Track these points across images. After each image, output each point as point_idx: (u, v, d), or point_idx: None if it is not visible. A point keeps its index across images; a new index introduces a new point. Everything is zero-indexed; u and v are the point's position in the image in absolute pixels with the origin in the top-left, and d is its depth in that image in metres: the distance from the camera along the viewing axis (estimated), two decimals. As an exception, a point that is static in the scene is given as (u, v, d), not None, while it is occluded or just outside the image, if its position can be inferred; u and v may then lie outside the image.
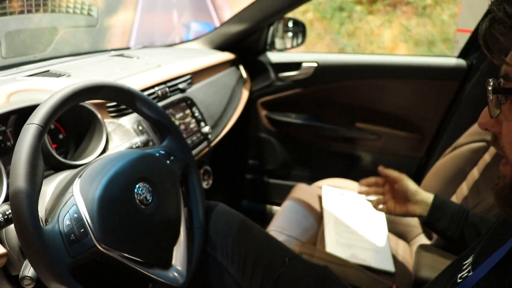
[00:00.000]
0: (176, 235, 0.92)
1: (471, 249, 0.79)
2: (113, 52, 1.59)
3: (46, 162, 0.94)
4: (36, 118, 0.71)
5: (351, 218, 1.59)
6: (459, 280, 0.72)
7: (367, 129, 1.96)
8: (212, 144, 1.46)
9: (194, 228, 1.00)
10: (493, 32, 0.52)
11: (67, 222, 0.73)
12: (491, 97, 0.55)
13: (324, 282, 1.02)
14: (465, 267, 0.74)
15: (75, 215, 0.74)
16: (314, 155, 2.10)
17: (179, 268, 0.90)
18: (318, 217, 1.62)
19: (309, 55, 2.00)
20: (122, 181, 0.81)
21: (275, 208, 2.21)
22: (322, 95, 1.99)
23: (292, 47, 2.13)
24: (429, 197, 1.13)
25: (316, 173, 2.02)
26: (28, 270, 0.76)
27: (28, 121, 0.72)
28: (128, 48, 1.85)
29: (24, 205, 0.65)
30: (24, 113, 0.96)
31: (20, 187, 0.66)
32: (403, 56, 1.85)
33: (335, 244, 1.47)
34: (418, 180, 1.65)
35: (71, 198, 0.76)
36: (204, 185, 1.54)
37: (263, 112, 2.09)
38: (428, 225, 1.11)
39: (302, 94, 2.01)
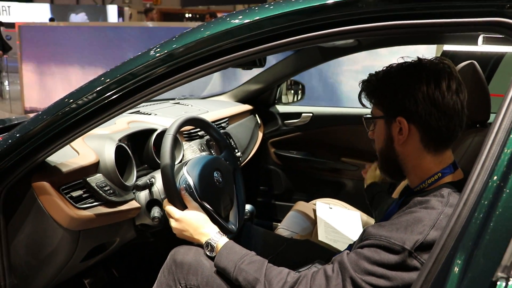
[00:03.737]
0: (232, 205, 1.57)
1: None
2: (171, 101, 2.29)
3: (152, 165, 1.62)
4: (171, 131, 1.39)
5: (336, 223, 2.23)
6: None
7: (349, 162, 2.63)
8: (242, 164, 2.13)
9: (239, 204, 1.65)
10: (362, 97, 1.18)
11: (184, 185, 1.39)
12: (368, 122, 1.19)
13: (308, 248, 1.63)
14: None
15: (187, 182, 1.40)
16: (310, 182, 2.76)
17: (233, 222, 1.55)
18: (313, 222, 2.25)
19: (306, 107, 2.72)
20: (208, 168, 1.48)
21: (278, 224, 2.83)
22: (316, 137, 2.68)
23: (293, 102, 2.85)
24: None
25: (311, 195, 2.66)
26: (156, 213, 1.41)
27: (166, 133, 1.39)
28: (173, 99, 2.55)
29: (169, 171, 1.32)
30: (139, 133, 1.64)
31: (167, 162, 1.32)
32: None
33: (325, 239, 2.10)
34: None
35: (183, 175, 1.42)
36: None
37: (272, 150, 2.78)
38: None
39: (302, 136, 2.70)
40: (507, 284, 0.69)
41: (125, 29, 5.90)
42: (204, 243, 1.27)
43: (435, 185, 1.08)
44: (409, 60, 1.11)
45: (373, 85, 1.12)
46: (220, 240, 1.25)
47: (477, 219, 0.74)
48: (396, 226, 0.99)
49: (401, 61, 1.12)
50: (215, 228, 1.30)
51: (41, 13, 15.51)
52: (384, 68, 1.12)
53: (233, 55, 1.00)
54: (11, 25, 10.77)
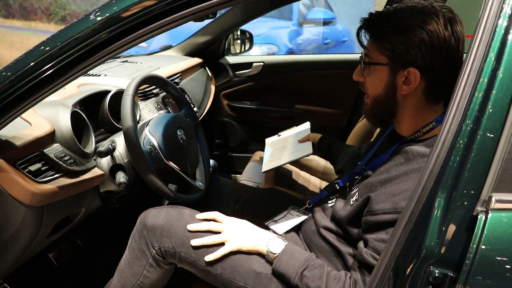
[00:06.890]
0: (198, 162, 1.55)
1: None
2: (118, 60, 2.17)
3: (109, 128, 1.54)
4: (129, 91, 1.32)
5: (284, 142, 2.05)
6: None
7: (303, 109, 2.66)
8: (199, 119, 2.09)
9: (204, 161, 1.63)
10: (360, 38, 1.14)
11: (148, 147, 1.35)
12: (363, 65, 1.13)
13: (273, 195, 1.66)
14: (361, 160, 1.40)
15: (151, 143, 1.36)
16: (265, 131, 2.75)
17: (200, 180, 1.54)
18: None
19: (257, 57, 2.68)
20: (171, 127, 1.44)
21: (238, 176, 2.85)
22: (269, 86, 2.67)
23: (241, 52, 2.79)
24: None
25: (268, 144, 2.69)
26: (121, 178, 1.36)
27: (124, 93, 1.32)
28: (119, 57, 2.42)
29: (132, 133, 1.26)
30: (92, 96, 1.55)
31: (129, 125, 1.27)
32: (326, 54, 2.56)
33: (269, 166, 1.99)
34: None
35: (146, 136, 1.37)
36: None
37: (225, 102, 2.74)
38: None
39: (254, 86, 2.68)
40: (486, 216, 0.74)
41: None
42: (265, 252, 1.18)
43: (429, 135, 1.09)
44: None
45: (383, 31, 1.05)
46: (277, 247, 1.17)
47: (455, 159, 0.77)
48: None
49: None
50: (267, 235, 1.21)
51: None
52: (395, 13, 1.05)
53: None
54: None
